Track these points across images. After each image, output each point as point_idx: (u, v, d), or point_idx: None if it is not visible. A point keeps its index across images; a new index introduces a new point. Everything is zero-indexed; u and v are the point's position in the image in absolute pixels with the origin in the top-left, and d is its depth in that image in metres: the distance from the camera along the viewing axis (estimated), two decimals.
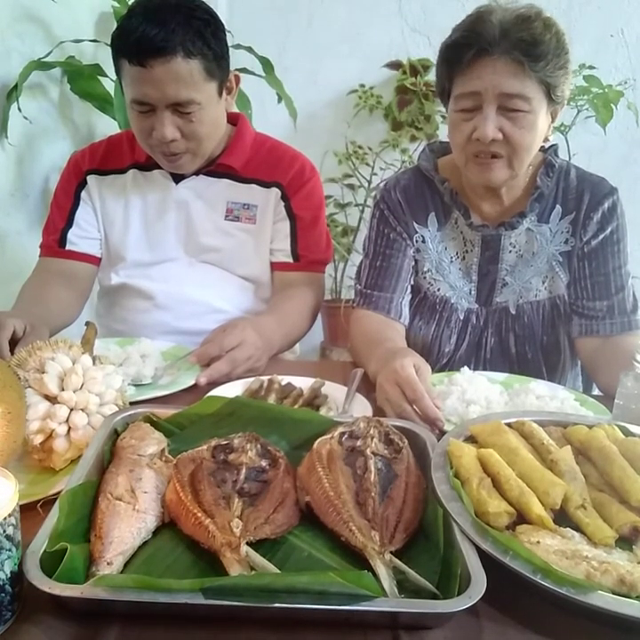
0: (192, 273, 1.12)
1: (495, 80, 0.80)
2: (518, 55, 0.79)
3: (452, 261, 0.97)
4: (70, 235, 1.13)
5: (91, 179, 1.13)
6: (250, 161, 1.12)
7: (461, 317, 0.98)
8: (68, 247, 1.13)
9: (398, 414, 0.70)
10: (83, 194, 1.13)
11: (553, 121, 0.88)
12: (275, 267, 1.14)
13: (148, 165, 1.11)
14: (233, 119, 1.14)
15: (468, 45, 0.81)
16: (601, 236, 0.92)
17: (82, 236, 1.13)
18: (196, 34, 0.93)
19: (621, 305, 0.92)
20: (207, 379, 0.84)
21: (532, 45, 0.79)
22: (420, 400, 0.68)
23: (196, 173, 1.10)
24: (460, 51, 0.82)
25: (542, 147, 0.93)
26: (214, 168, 1.10)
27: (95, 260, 1.15)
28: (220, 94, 1.03)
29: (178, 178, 1.10)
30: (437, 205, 0.97)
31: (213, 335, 0.92)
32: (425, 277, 0.99)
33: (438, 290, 0.98)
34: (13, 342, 0.82)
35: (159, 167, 1.09)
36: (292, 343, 1.11)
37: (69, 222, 1.13)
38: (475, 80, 0.81)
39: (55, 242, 1.13)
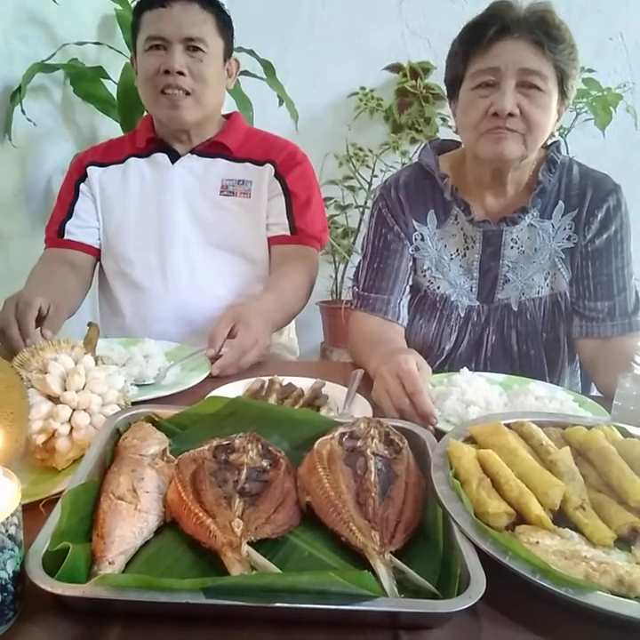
0: (189, 254, 1.13)
1: (515, 56, 0.82)
2: (539, 35, 0.81)
3: (451, 258, 0.97)
4: (68, 225, 1.16)
5: (91, 170, 1.17)
6: (243, 145, 1.16)
7: (462, 315, 0.98)
8: (66, 237, 1.16)
9: (396, 405, 0.70)
10: (82, 186, 1.17)
11: (558, 119, 0.89)
12: (272, 241, 1.15)
13: (146, 152, 1.15)
14: (227, 116, 1.20)
15: (490, 24, 0.83)
16: (605, 235, 0.92)
17: (80, 226, 1.16)
18: None
19: (622, 306, 0.92)
20: (220, 370, 0.87)
21: (552, 27, 0.82)
22: (418, 394, 0.69)
23: (192, 152, 1.14)
24: (480, 29, 0.84)
25: (544, 142, 0.93)
26: (209, 147, 1.14)
27: (92, 251, 1.17)
28: (225, 60, 1.09)
29: (174, 158, 1.14)
30: (437, 202, 0.97)
31: (219, 330, 0.90)
32: (425, 275, 0.99)
33: (438, 288, 0.98)
34: (37, 321, 0.84)
35: (157, 151, 1.14)
36: (290, 318, 1.14)
37: (69, 214, 1.16)
38: (494, 57, 0.83)
39: (55, 233, 1.16)
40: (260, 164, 1.14)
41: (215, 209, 1.13)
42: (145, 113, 1.22)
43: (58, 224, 1.16)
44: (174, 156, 1.14)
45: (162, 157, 1.14)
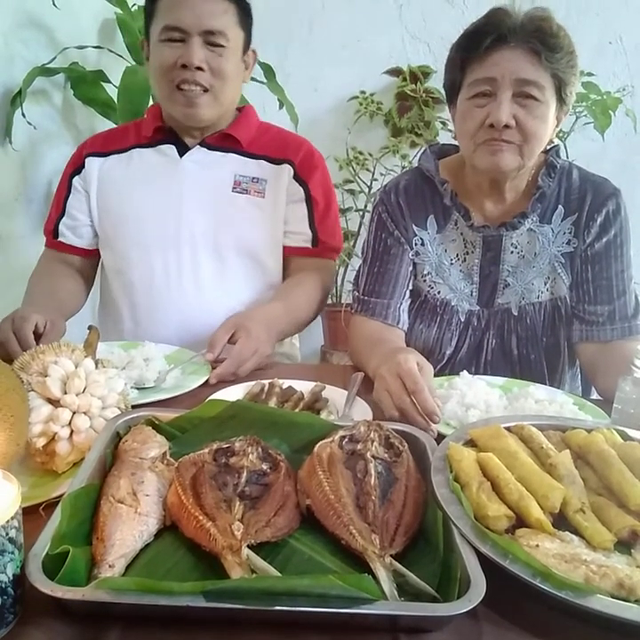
0: (196, 256, 1.06)
1: (512, 66, 0.82)
2: (536, 44, 0.81)
3: (452, 263, 0.97)
4: (61, 225, 1.12)
5: (89, 161, 1.10)
6: (256, 140, 1.09)
7: (462, 319, 0.98)
8: (59, 238, 1.13)
9: (397, 405, 0.70)
10: (75, 180, 1.11)
11: (557, 125, 0.89)
12: (291, 251, 1.09)
13: (152, 143, 1.08)
14: (239, 108, 1.14)
15: (487, 33, 0.83)
16: (605, 239, 0.92)
17: (71, 226, 1.12)
18: None
19: (622, 310, 0.92)
20: (217, 378, 0.85)
21: (549, 36, 0.81)
22: (419, 392, 0.68)
23: (201, 144, 1.07)
24: (478, 37, 0.83)
25: (544, 148, 0.94)
26: (220, 140, 1.07)
27: (85, 253, 1.14)
28: (244, 52, 1.03)
29: (183, 151, 1.07)
30: (437, 207, 0.97)
31: (220, 335, 0.89)
32: (425, 280, 0.99)
33: (438, 292, 0.98)
34: (34, 338, 0.84)
35: (164, 142, 1.07)
36: (300, 328, 1.09)
37: (62, 211, 1.12)
38: (491, 66, 0.83)
39: (50, 233, 1.14)
40: (277, 162, 1.06)
41: (227, 206, 1.05)
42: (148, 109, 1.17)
43: (53, 223, 1.12)
44: (183, 149, 1.07)
45: (169, 149, 1.06)
